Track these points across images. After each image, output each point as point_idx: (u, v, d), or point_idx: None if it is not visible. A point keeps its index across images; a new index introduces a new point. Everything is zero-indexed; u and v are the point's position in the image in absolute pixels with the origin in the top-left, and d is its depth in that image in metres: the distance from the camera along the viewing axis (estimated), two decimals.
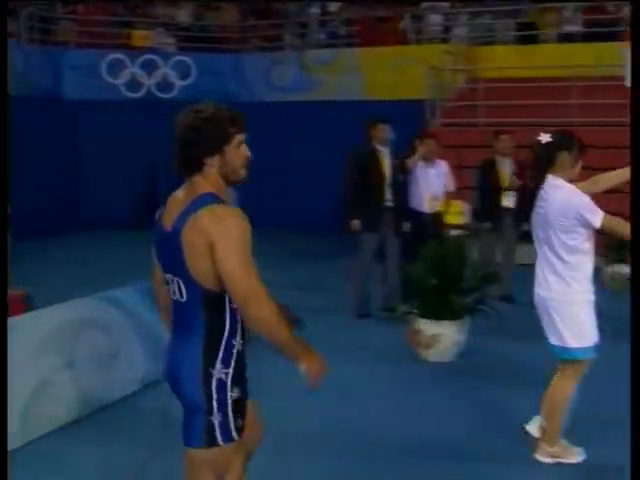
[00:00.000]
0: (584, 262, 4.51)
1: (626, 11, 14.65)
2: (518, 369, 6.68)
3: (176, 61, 15.89)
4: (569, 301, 4.51)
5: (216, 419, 2.90)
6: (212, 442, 2.91)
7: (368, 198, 8.17)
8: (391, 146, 8.39)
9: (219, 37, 17.08)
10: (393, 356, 6.99)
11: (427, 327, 6.82)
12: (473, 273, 7.07)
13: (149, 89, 15.74)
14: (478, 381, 6.37)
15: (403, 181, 8.51)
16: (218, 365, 2.89)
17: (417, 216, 8.57)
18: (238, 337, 2.96)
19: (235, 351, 2.94)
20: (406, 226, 8.40)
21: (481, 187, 9.00)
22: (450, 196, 8.96)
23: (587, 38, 14.35)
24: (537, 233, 4.61)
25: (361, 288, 8.32)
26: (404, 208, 8.49)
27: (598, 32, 14.19)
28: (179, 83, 15.80)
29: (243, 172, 3.00)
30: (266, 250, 12.16)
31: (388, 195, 8.27)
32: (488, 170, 8.93)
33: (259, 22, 17.36)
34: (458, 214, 9.16)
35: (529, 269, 10.90)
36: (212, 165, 2.90)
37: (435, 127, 13.02)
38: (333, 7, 17.43)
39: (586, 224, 4.40)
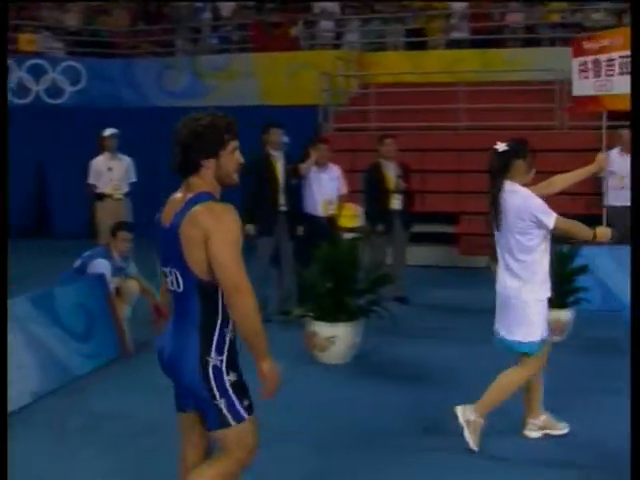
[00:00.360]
0: (541, 261, 4.81)
1: (511, 18, 15.16)
2: (413, 368, 6.83)
3: (65, 66, 15.56)
4: (524, 301, 4.80)
5: (221, 404, 3.17)
6: (225, 424, 3.20)
7: (262, 203, 8.21)
8: (285, 151, 8.46)
9: (109, 42, 16.81)
10: (290, 359, 7.01)
11: (322, 330, 6.89)
12: (366, 275, 7.18)
13: (38, 95, 15.35)
14: (375, 381, 6.48)
15: (297, 185, 8.58)
16: (213, 353, 3.15)
17: (311, 220, 8.65)
18: (230, 325, 3.20)
19: (227, 339, 3.20)
20: (300, 230, 8.48)
21: (369, 190, 9.20)
22: (344, 200, 9.09)
23: (474, 44, 14.77)
24: (497, 235, 4.88)
25: (258, 293, 8.31)
26: (298, 212, 8.56)
27: (484, 39, 14.64)
28: (69, 89, 15.47)
29: (235, 176, 3.26)
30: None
31: (282, 199, 8.33)
32: (374, 174, 9.14)
33: (150, 27, 17.17)
34: (352, 217, 9.28)
35: (421, 270, 11.20)
36: (208, 167, 3.18)
37: (328, 132, 13.17)
38: (225, 12, 17.39)
39: (541, 225, 4.71)
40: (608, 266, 8.93)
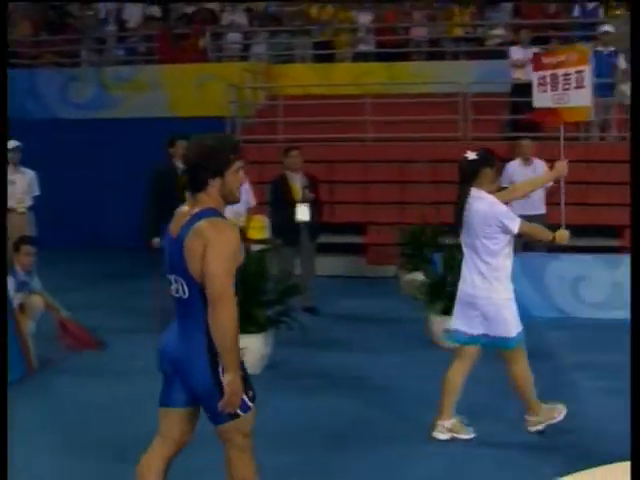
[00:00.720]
0: (505, 264, 5.16)
1: (416, 32, 15.47)
2: (323, 377, 6.88)
3: None
4: (494, 302, 5.12)
5: None
6: (235, 416, 3.50)
7: (168, 215, 8.13)
8: None
9: (12, 52, 16.40)
10: None
11: None
12: (275, 286, 7.20)
13: None
14: (286, 391, 6.49)
15: None
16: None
17: None
18: None
19: None
20: None
21: (275, 202, 9.24)
22: (252, 212, 9.11)
23: (380, 58, 15.01)
24: (464, 239, 5.24)
25: (166, 307, 8.23)
26: None
27: (390, 52, 14.89)
28: None
29: (238, 194, 3.56)
30: (72, 271, 12.03)
31: None
32: (280, 185, 9.18)
33: (53, 37, 16.85)
34: (260, 229, 9.31)
35: (330, 280, 11.27)
36: (214, 185, 3.48)
37: None
38: (132, 23, 17.21)
39: (506, 230, 5.07)
40: (513, 273, 9.17)
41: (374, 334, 8.36)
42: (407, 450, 5.16)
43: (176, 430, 3.64)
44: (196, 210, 3.46)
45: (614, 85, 12.34)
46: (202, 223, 3.39)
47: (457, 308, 5.33)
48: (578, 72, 6.39)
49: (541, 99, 6.70)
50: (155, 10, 17.27)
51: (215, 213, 3.45)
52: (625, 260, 9.29)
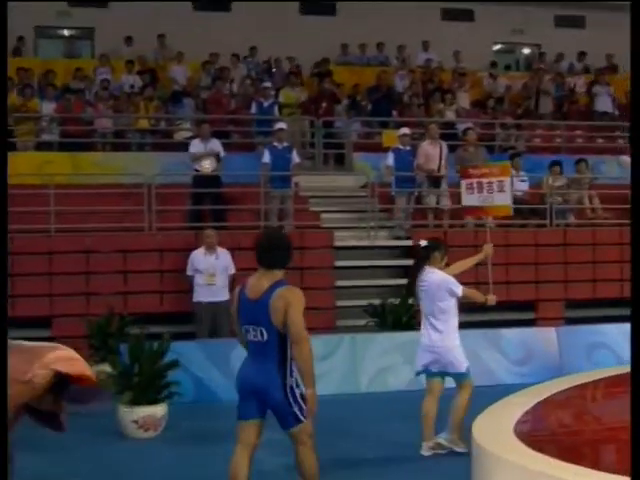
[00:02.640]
0: (453, 318, 7.04)
1: (101, 124, 15.53)
2: None
3: None
4: (447, 347, 6.93)
5: (295, 408, 5.18)
6: (299, 421, 5.22)
7: None
8: None
9: None
10: None
11: None
12: None
13: None
14: None
15: None
16: (288, 378, 5.18)
17: None
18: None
19: (294, 367, 5.19)
20: None
21: None
22: None
23: (63, 147, 14.84)
24: (423, 303, 7.12)
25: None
26: None
27: (75, 142, 14.77)
28: None
29: None
30: None
31: None
32: None
33: None
34: None
35: None
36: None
37: None
38: None
39: (453, 294, 6.97)
40: (199, 360, 9.41)
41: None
42: None
43: (252, 436, 5.29)
44: (274, 281, 5.23)
45: None
46: (283, 290, 5.18)
47: (419, 354, 7.06)
48: (499, 181, 8.48)
49: (469, 199, 8.77)
50: None
51: (286, 283, 5.27)
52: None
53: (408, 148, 13.57)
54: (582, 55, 20.77)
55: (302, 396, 5.15)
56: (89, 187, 13.07)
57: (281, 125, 13.41)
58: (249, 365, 5.29)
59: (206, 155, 12.80)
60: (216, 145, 12.93)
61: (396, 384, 9.44)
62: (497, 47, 22.72)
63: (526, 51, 22.93)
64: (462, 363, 6.98)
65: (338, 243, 12.69)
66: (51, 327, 11.48)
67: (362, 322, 11.24)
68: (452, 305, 7.02)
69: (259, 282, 5.24)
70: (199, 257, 10.90)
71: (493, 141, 16.19)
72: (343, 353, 9.92)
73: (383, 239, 13.20)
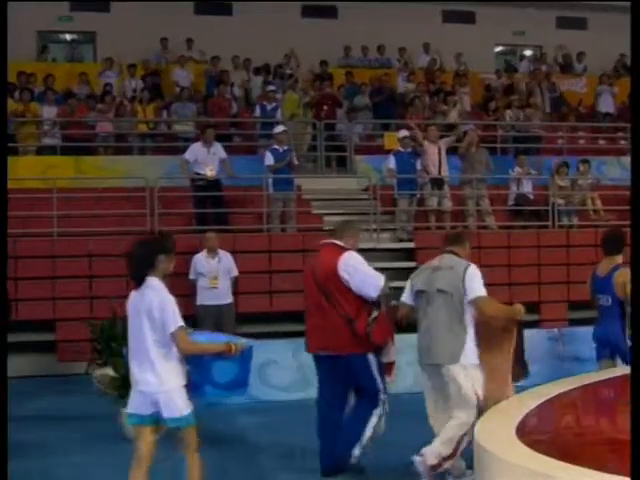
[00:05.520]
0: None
1: (102, 128, 15.56)
2: None
3: None
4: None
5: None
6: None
7: None
8: None
9: None
10: None
11: None
12: None
13: None
14: None
15: None
16: None
17: None
18: None
19: None
20: None
21: None
22: None
23: (65, 151, 14.86)
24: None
25: None
26: None
27: (77, 146, 14.80)
28: None
29: None
30: None
31: None
32: None
33: None
34: None
35: (20, 381, 10.72)
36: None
37: None
38: None
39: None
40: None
41: (66, 433, 8.13)
42: None
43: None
44: (614, 264, 7.19)
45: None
46: (621, 270, 6.95)
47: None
48: None
49: None
50: None
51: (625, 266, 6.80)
52: None
53: (409, 150, 13.59)
54: (583, 56, 20.76)
55: None
56: (92, 191, 13.11)
57: (280, 128, 13.43)
58: (600, 325, 7.56)
59: (210, 159, 12.77)
60: (219, 150, 12.93)
61: (400, 386, 9.44)
62: (499, 49, 22.72)
63: (528, 53, 22.93)
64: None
65: None
66: (55, 330, 11.51)
67: None
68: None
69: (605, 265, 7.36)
70: (201, 260, 10.92)
71: (495, 143, 16.21)
72: None
73: (386, 241, 13.21)
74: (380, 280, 6.10)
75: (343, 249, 6.22)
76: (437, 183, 13.61)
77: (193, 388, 5.12)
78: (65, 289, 11.61)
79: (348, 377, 6.22)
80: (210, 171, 12.68)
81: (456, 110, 16.55)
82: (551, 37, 21.26)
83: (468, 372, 5.88)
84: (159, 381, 5.02)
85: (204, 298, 10.82)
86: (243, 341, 5.34)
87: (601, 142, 17.52)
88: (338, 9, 20.70)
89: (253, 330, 11.36)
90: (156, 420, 5.12)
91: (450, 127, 15.69)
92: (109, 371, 8.78)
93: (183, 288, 11.38)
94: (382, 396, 6.25)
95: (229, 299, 10.88)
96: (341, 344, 6.08)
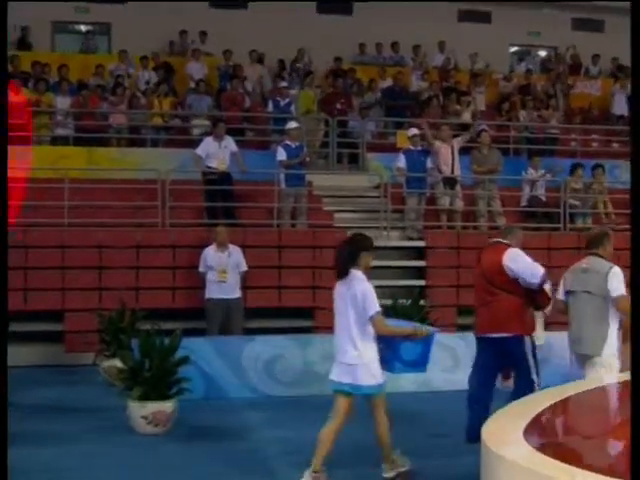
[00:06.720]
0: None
1: (116, 120, 15.57)
2: (17, 475, 6.57)
3: None
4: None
5: None
6: None
7: None
8: None
9: None
10: None
11: None
12: None
13: None
14: None
15: None
16: None
17: None
18: None
19: None
20: None
21: None
22: None
23: (78, 142, 14.88)
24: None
25: None
26: None
27: (90, 137, 14.81)
28: None
29: None
30: None
31: None
32: None
33: None
34: None
35: (27, 371, 10.75)
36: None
37: None
38: None
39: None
40: (210, 356, 9.42)
41: (72, 424, 8.13)
42: None
43: None
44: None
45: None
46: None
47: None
48: None
49: None
50: None
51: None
52: (314, 340, 9.93)
53: (419, 148, 13.56)
54: (598, 59, 20.65)
55: None
56: (103, 182, 13.12)
57: (293, 124, 13.41)
58: None
59: (221, 153, 12.75)
60: (230, 143, 12.91)
61: (406, 385, 9.43)
62: (514, 49, 22.64)
63: (542, 53, 22.83)
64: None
65: None
66: (63, 321, 11.53)
67: None
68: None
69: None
70: (211, 254, 10.92)
71: (508, 143, 16.14)
72: None
73: (395, 239, 13.18)
74: (540, 270, 7.06)
75: (508, 246, 7.27)
76: (450, 183, 13.57)
77: (384, 363, 6.11)
78: (74, 280, 11.62)
79: (503, 358, 7.17)
80: (221, 164, 12.67)
81: (469, 110, 16.49)
82: (566, 38, 21.15)
83: (607, 361, 6.74)
84: (359, 354, 5.97)
85: (212, 291, 10.82)
86: (427, 328, 6.48)
87: (614, 145, 17.43)
88: (353, 6, 20.66)
89: (261, 325, 11.38)
90: (349, 389, 6.02)
91: (463, 127, 15.64)
92: (117, 362, 8.82)
93: (192, 281, 11.41)
94: (535, 378, 7.02)
95: (237, 293, 10.87)
96: (502, 327, 7.03)
